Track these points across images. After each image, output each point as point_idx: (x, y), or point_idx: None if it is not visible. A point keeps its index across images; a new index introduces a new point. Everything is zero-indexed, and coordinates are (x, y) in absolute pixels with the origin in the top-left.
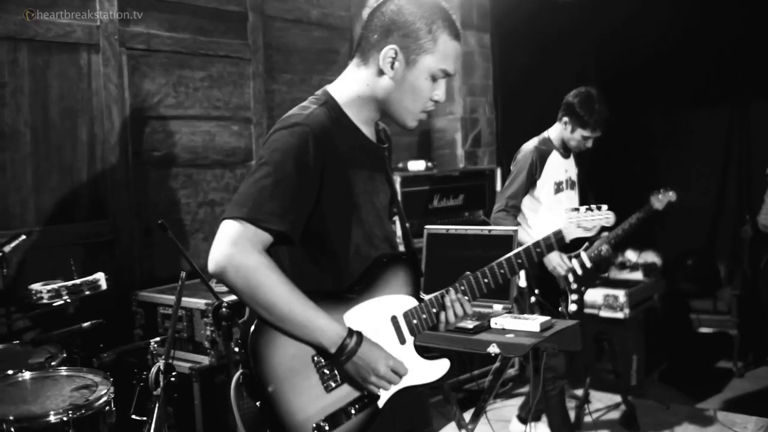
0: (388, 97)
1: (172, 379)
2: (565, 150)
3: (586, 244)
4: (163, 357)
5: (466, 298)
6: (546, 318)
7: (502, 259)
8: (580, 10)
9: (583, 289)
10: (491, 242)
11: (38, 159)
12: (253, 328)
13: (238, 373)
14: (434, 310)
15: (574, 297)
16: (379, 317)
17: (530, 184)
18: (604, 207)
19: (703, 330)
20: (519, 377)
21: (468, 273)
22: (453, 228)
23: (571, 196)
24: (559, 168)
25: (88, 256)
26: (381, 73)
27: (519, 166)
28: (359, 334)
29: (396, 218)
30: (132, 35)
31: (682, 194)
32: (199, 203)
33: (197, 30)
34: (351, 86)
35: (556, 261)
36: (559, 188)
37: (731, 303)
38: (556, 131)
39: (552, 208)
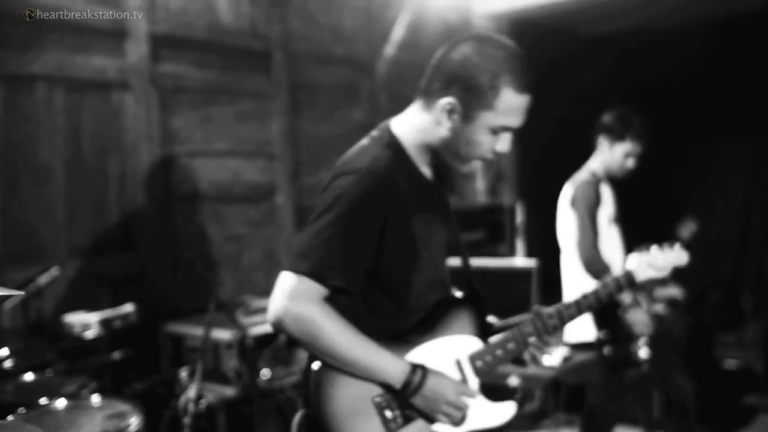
0: (442, 145)
1: (201, 406)
2: (610, 180)
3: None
4: (192, 387)
5: (533, 338)
6: (566, 350)
7: (571, 300)
8: (602, 40)
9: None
10: (511, 277)
11: (71, 194)
12: (315, 368)
13: (298, 414)
14: (499, 352)
15: (643, 340)
16: (442, 359)
17: (594, 216)
18: (677, 245)
19: (728, 365)
20: (541, 413)
21: (537, 309)
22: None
23: (617, 230)
24: (610, 199)
25: (117, 288)
26: (439, 122)
27: (580, 204)
28: (423, 368)
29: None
30: (161, 74)
31: (706, 227)
32: (225, 237)
33: (224, 68)
34: (413, 129)
35: (642, 321)
36: (610, 220)
37: (756, 337)
38: (596, 161)
39: (607, 242)
